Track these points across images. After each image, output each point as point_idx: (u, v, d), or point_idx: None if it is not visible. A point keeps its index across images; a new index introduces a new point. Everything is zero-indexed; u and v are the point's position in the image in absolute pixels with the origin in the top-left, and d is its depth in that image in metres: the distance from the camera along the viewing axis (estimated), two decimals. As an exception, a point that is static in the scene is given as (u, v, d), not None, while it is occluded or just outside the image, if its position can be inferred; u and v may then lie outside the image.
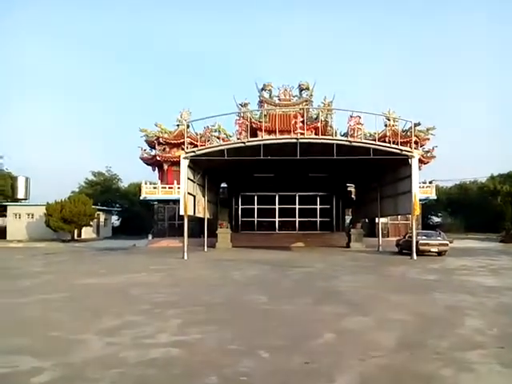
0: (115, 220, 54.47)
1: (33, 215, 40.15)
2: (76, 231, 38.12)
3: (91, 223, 39.18)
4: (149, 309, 8.20)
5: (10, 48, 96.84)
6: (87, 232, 40.92)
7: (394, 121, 33.84)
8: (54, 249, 28.92)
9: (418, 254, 19.67)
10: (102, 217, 45.84)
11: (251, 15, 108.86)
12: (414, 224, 20.90)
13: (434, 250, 21.17)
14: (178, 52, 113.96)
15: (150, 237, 36.23)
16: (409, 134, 28.14)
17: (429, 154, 36.57)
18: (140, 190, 35.93)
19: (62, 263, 19.02)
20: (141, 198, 35.57)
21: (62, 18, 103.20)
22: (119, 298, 9.59)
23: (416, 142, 27.72)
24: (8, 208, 41.14)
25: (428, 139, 37.04)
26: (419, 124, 33.57)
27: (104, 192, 52.64)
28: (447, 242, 21.76)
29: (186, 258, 19.85)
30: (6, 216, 41.88)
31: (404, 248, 22.59)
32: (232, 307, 8.53)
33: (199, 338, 6.15)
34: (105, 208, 47.37)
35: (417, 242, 20.23)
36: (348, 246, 28.72)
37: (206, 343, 5.88)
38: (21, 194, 43.95)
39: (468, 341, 5.94)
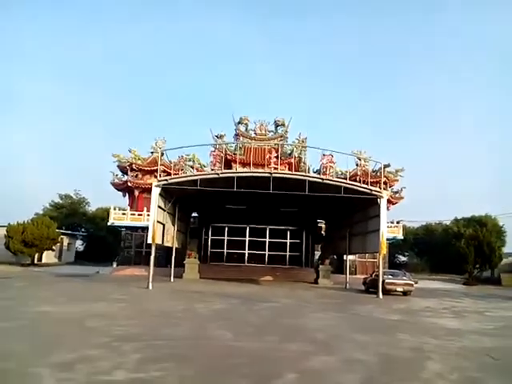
0: (79, 245, 52.57)
1: (-9, 236, 38.30)
2: (37, 255, 36.49)
3: (54, 247, 37.66)
4: (107, 342, 7.84)
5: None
6: (48, 256, 39.25)
7: (364, 161, 34.90)
8: (11, 273, 27.56)
9: (383, 293, 19.86)
10: (66, 241, 44.22)
11: (230, 50, 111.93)
12: (380, 263, 21.17)
13: (400, 289, 21.42)
14: (156, 81, 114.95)
15: (114, 264, 35.11)
16: (378, 174, 29.00)
17: (397, 195, 37.66)
18: (108, 214, 35.05)
19: (18, 289, 18.09)
20: (108, 223, 34.61)
21: (30, 38, 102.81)
22: (76, 329, 9.14)
23: (385, 183, 28.63)
24: (-35, 228, 39.11)
25: (397, 180, 38.22)
26: (389, 165, 34.57)
27: (69, 215, 51.02)
28: (412, 283, 22.08)
29: (150, 287, 19.27)
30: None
31: (370, 286, 22.75)
32: (195, 343, 8.26)
33: (158, 375, 5.89)
34: (69, 232, 45.81)
35: (383, 281, 20.45)
36: (316, 281, 28.70)
37: (165, 381, 5.64)
38: (-20, 214, 42.06)
39: (430, 385, 5.94)
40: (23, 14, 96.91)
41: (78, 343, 7.67)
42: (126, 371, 6.01)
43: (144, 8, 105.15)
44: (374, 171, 31.62)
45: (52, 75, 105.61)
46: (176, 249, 27.22)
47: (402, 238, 36.75)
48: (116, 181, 37.37)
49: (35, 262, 35.93)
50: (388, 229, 27.31)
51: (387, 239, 22.29)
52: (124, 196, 38.02)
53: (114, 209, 34.65)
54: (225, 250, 35.77)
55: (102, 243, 48.12)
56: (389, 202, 26.70)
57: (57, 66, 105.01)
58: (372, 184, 22.40)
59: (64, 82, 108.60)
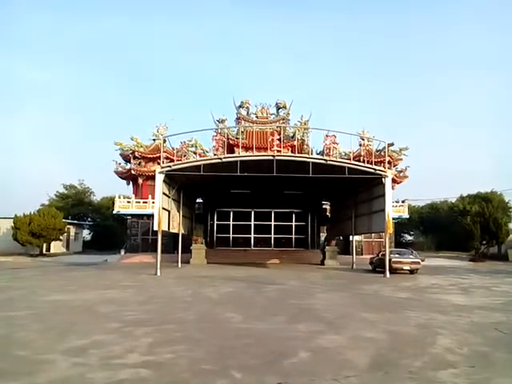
0: (86, 234, 53.06)
1: (-1, 228, 38.68)
2: (45, 245, 36.84)
3: (61, 237, 37.97)
4: (118, 327, 7.94)
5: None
6: (56, 246, 39.61)
7: (368, 141, 34.66)
8: (21, 263, 27.87)
9: (390, 272, 19.93)
10: (73, 231, 44.57)
11: (229, 31, 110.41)
12: (387, 242, 21.19)
13: (407, 267, 21.50)
14: (155, 66, 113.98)
15: (122, 252, 35.41)
16: (382, 153, 28.85)
17: (402, 174, 37.49)
18: (113, 203, 35.23)
19: (29, 278, 18.30)
20: (114, 212, 34.85)
21: (32, 26, 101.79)
22: (88, 316, 9.26)
23: (389, 162, 28.43)
24: (-27, 221, 39.48)
25: (401, 159, 38.01)
26: (393, 144, 34.48)
27: (75, 205, 51.33)
28: (419, 261, 22.15)
29: (158, 274, 19.45)
30: (-30, 229, 40.17)
31: (377, 266, 22.85)
32: (204, 326, 8.35)
33: (170, 357, 5.97)
34: (76, 222, 46.14)
35: (390, 260, 20.52)
36: (322, 263, 28.84)
37: (177, 363, 5.72)
38: (-13, 206, 42.37)
39: (440, 360, 5.98)
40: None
41: (90, 329, 7.77)
42: (139, 354, 6.09)
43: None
44: (377, 151, 31.39)
45: (53, 60, 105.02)
46: (182, 235, 27.36)
47: (408, 216, 36.78)
48: (119, 169, 37.40)
49: (44, 252, 36.29)
50: (393, 208, 27.31)
51: (393, 218, 22.26)
52: (128, 184, 38.11)
53: (119, 197, 34.83)
54: (231, 235, 35.96)
55: (108, 232, 48.49)
56: (393, 181, 26.61)
57: (57, 50, 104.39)
58: (376, 164, 22.26)
59: (63, 70, 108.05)
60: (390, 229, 20.79)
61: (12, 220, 34.73)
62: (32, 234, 33.86)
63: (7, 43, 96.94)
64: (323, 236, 37.87)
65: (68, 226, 40.00)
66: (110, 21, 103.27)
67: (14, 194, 61.73)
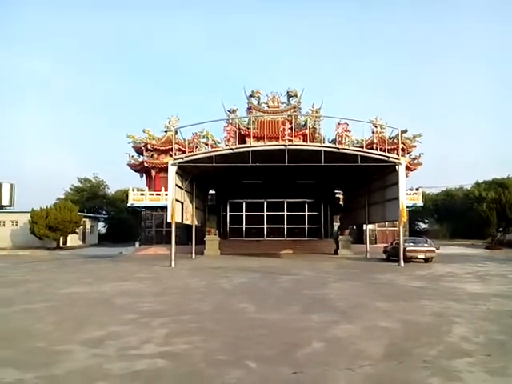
0: (102, 227, 53.79)
1: (17, 222, 39.41)
2: (61, 239, 37.47)
3: (77, 230, 38.58)
4: (135, 318, 8.07)
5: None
6: (73, 239, 40.27)
7: (381, 128, 34.22)
8: (38, 257, 28.42)
9: (405, 261, 19.78)
10: (89, 224, 45.23)
11: (240, 22, 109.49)
12: (401, 231, 21.00)
13: (421, 256, 21.31)
14: (165, 57, 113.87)
15: (137, 244, 35.85)
16: (396, 141, 28.47)
17: (415, 161, 37.00)
18: (127, 196, 35.59)
19: (46, 271, 18.67)
20: (128, 204, 35.22)
21: (44, 22, 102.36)
22: (104, 308, 9.42)
23: (403, 149, 28.06)
24: (-9, 215, 40.36)
25: (415, 146, 37.48)
26: (406, 131, 34.02)
27: (90, 198, 51.99)
28: (434, 249, 21.92)
29: (173, 265, 19.65)
30: (-11, 223, 41.08)
31: (391, 255, 22.71)
32: (219, 316, 8.43)
33: (186, 348, 6.06)
34: (91, 215, 46.75)
35: (404, 249, 20.35)
36: (336, 252, 28.78)
37: (193, 354, 5.79)
38: (5, 201, 43.06)
39: (455, 349, 5.95)
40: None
41: (107, 320, 7.91)
42: (155, 345, 6.18)
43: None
44: (390, 138, 30.99)
45: (63, 56, 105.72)
46: (196, 226, 27.55)
47: (422, 204, 36.35)
48: (132, 162, 37.67)
49: (60, 245, 36.93)
50: (407, 196, 27.00)
51: (407, 206, 22.01)
52: (141, 177, 38.39)
53: (133, 190, 35.14)
54: (244, 226, 36.06)
55: (123, 224, 49.08)
56: (407, 168, 26.22)
57: (73, 49, 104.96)
58: (389, 151, 21.99)
59: (76, 65, 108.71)
60: (404, 217, 20.59)
61: (29, 214, 35.40)
62: (49, 228, 34.46)
63: (26, 40, 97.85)
64: (336, 225, 37.74)
65: (84, 219, 40.57)
66: (125, 14, 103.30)
67: (31, 189, 62.70)
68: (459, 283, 13.37)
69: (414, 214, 42.75)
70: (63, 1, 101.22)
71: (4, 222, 39.90)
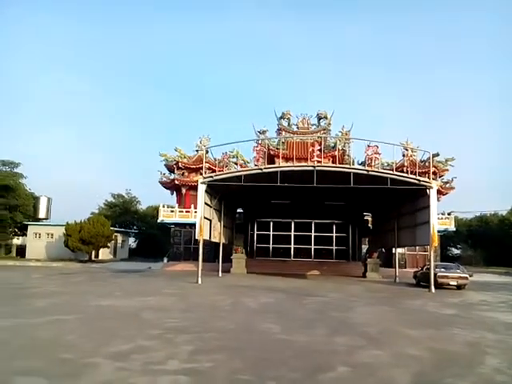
0: (132, 242, 54.95)
1: (52, 235, 40.86)
2: (93, 252, 38.50)
3: (108, 244, 39.56)
4: (160, 333, 8.17)
5: (24, 68, 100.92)
6: (104, 253, 41.29)
7: (412, 151, 33.73)
8: (71, 269, 29.24)
9: (436, 287, 19.17)
10: (120, 238, 46.29)
11: (270, 44, 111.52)
12: (432, 255, 20.40)
13: (453, 283, 20.59)
14: (202, 80, 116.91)
15: (165, 260, 36.33)
16: (427, 164, 27.98)
17: (448, 185, 36.11)
18: (158, 212, 36.29)
19: (77, 284, 19.18)
20: (158, 220, 35.88)
21: (85, 42, 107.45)
22: (132, 322, 9.59)
23: (434, 173, 27.56)
24: (29, 227, 42.03)
25: (447, 170, 36.62)
26: (438, 155, 33.36)
27: (122, 214, 53.33)
28: (467, 276, 21.15)
29: (200, 282, 19.79)
30: (26, 235, 42.75)
31: (422, 280, 22.06)
32: (244, 335, 8.42)
33: (210, 366, 6.08)
34: (122, 230, 47.87)
35: (435, 275, 19.75)
36: (364, 275, 28.20)
37: (217, 372, 5.81)
38: (42, 214, 44.82)
39: (487, 380, 5.72)
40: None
41: (134, 335, 8.04)
42: (179, 361, 6.24)
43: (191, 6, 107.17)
44: (422, 161, 30.48)
45: (97, 73, 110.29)
46: (223, 244, 27.71)
47: (454, 229, 35.29)
48: (164, 179, 38.50)
49: (92, 258, 37.92)
50: (439, 220, 26.35)
51: (438, 231, 21.45)
52: (172, 194, 39.13)
53: (163, 206, 35.83)
54: (271, 245, 35.91)
55: (153, 240, 49.94)
56: (439, 192, 25.71)
57: (113, 69, 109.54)
58: (420, 174, 21.64)
59: (115, 85, 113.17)
60: (435, 242, 20.03)
61: (64, 227, 36.64)
62: (82, 241, 35.50)
63: (57, 53, 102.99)
64: (365, 248, 37.02)
65: (115, 234, 41.57)
66: (165, 38, 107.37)
67: (67, 203, 64.99)
68: (493, 312, 12.84)
69: (446, 239, 41.50)
70: (105, 20, 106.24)
71: (40, 235, 41.44)
